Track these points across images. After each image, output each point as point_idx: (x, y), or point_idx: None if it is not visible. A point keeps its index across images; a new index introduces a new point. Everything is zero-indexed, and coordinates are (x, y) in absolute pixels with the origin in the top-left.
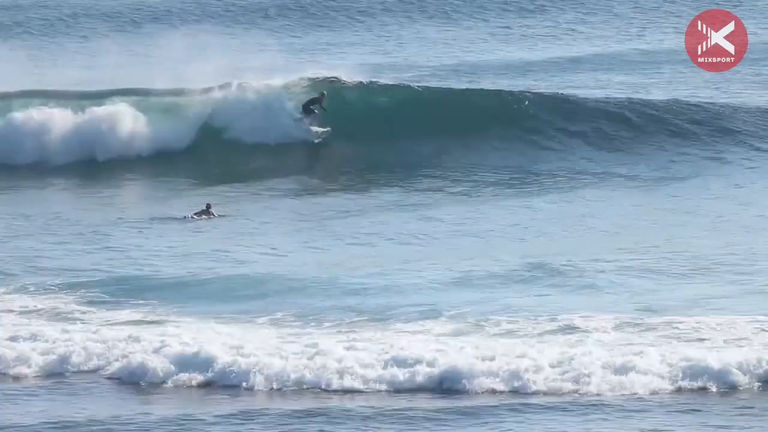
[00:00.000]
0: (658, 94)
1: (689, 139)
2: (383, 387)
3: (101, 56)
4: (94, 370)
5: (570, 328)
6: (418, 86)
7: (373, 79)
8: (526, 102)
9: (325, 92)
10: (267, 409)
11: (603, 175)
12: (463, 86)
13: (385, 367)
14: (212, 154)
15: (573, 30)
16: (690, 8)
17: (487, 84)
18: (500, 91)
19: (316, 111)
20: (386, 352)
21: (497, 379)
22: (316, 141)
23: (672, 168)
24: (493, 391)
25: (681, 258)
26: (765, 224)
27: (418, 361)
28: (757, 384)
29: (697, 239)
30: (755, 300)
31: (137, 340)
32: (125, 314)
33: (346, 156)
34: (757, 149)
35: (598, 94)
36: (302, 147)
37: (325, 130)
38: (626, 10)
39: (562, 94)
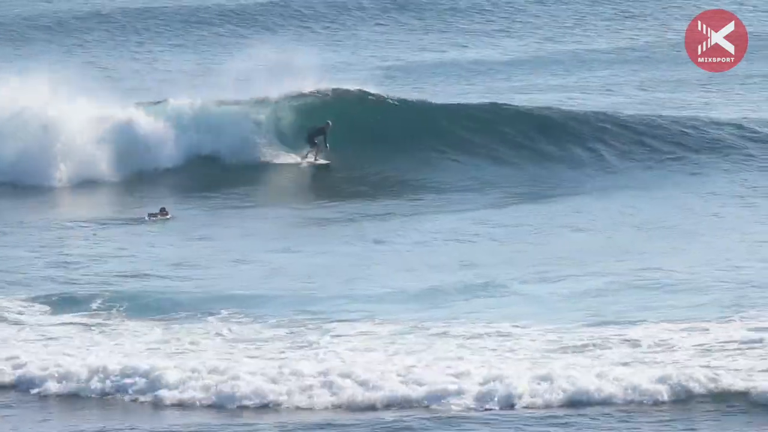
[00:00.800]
0: (601, 100)
1: (642, 149)
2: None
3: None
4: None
5: (501, 335)
6: (393, 99)
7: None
8: (501, 115)
9: (330, 122)
10: None
11: (571, 187)
12: (407, 91)
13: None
14: (190, 166)
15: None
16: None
17: (431, 88)
18: (466, 103)
19: (317, 142)
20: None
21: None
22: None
23: (628, 177)
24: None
25: (637, 269)
26: (719, 231)
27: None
28: (675, 397)
29: (654, 248)
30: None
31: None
32: (68, 317)
33: (321, 167)
34: (713, 156)
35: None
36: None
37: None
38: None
39: (541, 108)
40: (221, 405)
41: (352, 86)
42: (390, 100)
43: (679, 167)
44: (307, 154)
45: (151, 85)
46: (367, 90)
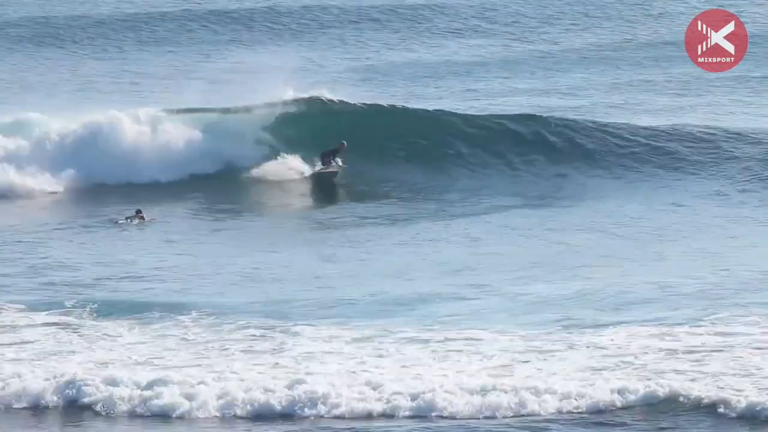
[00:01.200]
0: (572, 103)
1: (621, 152)
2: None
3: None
4: None
5: (472, 340)
6: (369, 104)
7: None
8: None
9: (344, 142)
10: None
11: (553, 192)
12: (382, 95)
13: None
14: (167, 172)
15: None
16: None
17: (404, 91)
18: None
19: (333, 162)
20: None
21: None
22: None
23: (608, 180)
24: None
25: (614, 273)
26: (696, 233)
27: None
28: (643, 402)
29: (631, 252)
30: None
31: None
32: (42, 319)
33: (305, 177)
34: (671, 164)
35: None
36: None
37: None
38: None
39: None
40: (184, 414)
41: (327, 94)
42: (366, 105)
43: (658, 170)
44: (319, 169)
45: (128, 89)
46: (342, 96)
